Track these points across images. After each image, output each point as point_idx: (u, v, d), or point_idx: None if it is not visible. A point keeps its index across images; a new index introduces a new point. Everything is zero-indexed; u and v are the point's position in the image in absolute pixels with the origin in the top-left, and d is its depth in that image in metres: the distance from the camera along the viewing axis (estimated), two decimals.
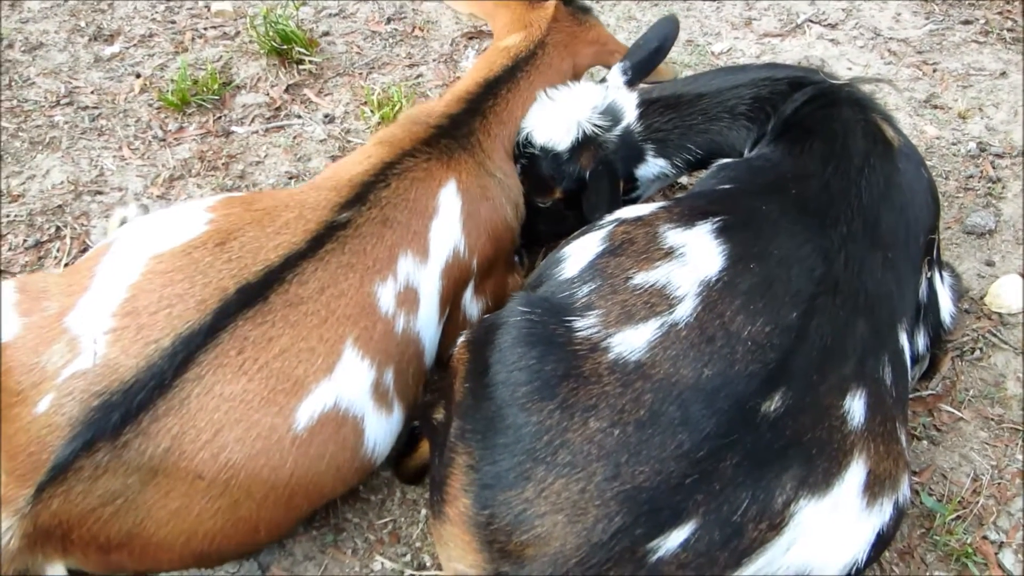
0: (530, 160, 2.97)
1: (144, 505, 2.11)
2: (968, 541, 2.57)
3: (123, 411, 2.04)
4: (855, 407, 2.09)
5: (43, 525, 2.05)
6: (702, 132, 2.94)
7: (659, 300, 2.17)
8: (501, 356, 2.14)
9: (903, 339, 2.38)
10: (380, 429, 2.44)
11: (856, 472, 2.03)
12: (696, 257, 2.25)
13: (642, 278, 2.23)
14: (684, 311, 2.13)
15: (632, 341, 2.10)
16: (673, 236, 2.33)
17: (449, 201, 2.72)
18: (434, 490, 2.22)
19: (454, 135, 2.86)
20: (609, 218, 2.53)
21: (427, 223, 2.66)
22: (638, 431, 1.96)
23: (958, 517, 2.63)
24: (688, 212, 2.41)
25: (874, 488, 2.06)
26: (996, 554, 2.56)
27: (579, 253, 2.40)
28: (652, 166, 3.04)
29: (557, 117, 2.94)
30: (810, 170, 2.53)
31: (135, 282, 2.23)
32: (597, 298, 2.22)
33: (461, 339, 2.37)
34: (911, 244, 2.52)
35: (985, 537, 2.60)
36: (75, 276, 2.35)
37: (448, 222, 2.70)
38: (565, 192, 3.03)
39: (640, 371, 2.04)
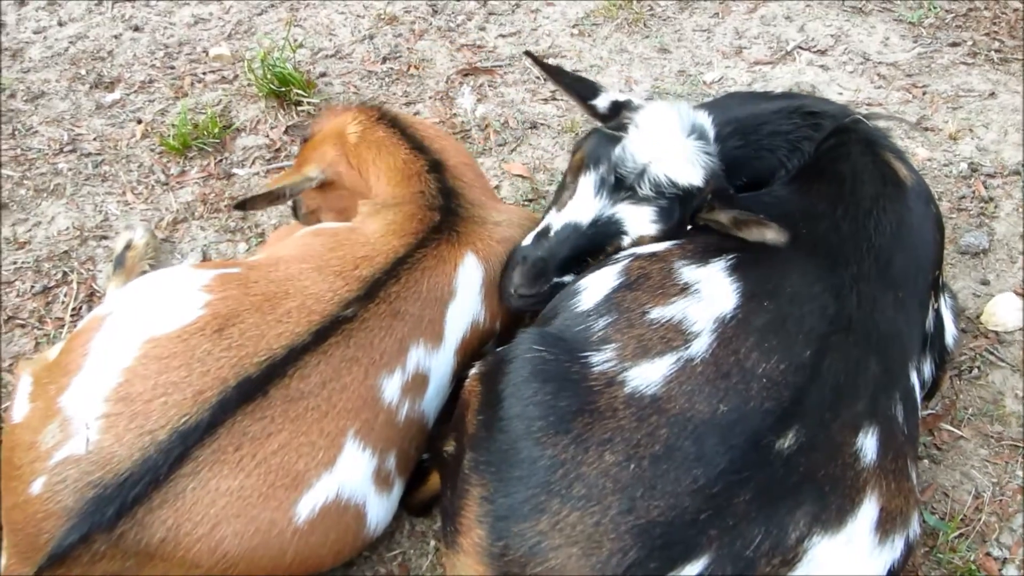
0: (670, 203, 2.59)
1: None
2: (971, 558, 2.60)
3: (118, 505, 2.04)
4: (868, 444, 2.12)
5: None
6: (755, 160, 2.81)
7: (675, 335, 2.20)
8: (515, 391, 2.16)
9: (914, 377, 2.42)
10: (381, 509, 2.45)
11: (869, 509, 2.06)
12: (711, 294, 2.28)
13: (658, 313, 2.26)
14: (700, 347, 2.16)
15: (648, 375, 2.12)
16: (688, 272, 2.36)
17: (468, 278, 2.69)
18: (447, 521, 2.23)
19: (451, 207, 2.79)
20: (624, 253, 2.54)
21: (443, 309, 2.62)
22: (653, 465, 1.99)
23: (961, 535, 2.66)
24: (701, 249, 2.44)
25: (886, 525, 2.08)
26: (999, 570, 2.60)
27: (595, 286, 2.41)
28: None
29: (679, 151, 2.60)
30: (819, 211, 2.55)
31: (129, 366, 2.20)
32: (614, 332, 2.25)
33: (473, 371, 2.39)
34: (920, 281, 2.55)
35: (988, 554, 2.63)
36: (70, 354, 2.34)
37: (467, 300, 2.66)
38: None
39: (656, 405, 2.07)
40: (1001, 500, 2.75)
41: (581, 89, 2.90)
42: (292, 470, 2.20)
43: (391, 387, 2.44)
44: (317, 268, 2.49)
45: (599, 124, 2.82)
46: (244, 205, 2.97)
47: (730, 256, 2.39)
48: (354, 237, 2.63)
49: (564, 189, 2.73)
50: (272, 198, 2.99)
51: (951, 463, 2.85)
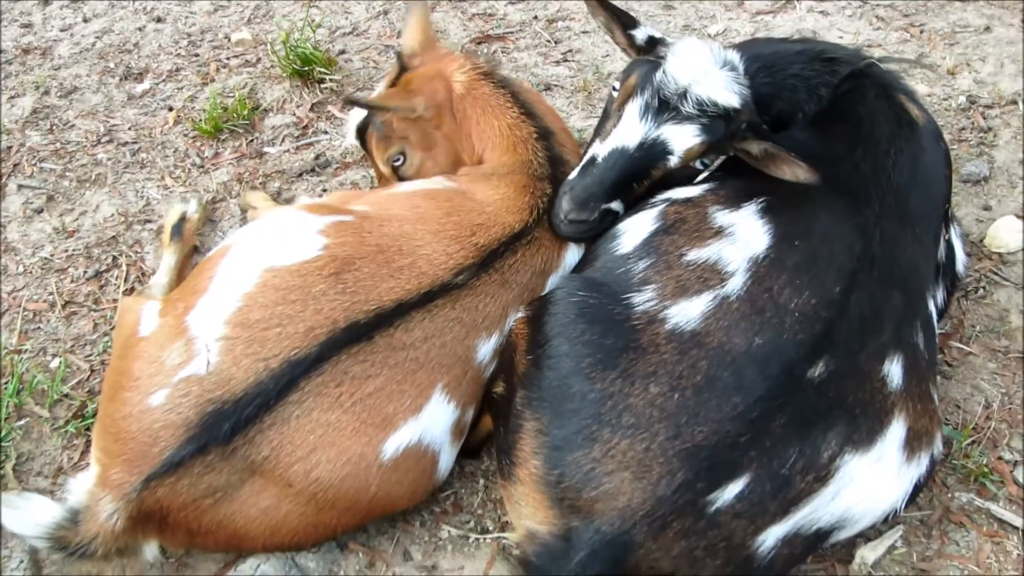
0: (712, 120, 2.66)
1: (238, 500, 2.30)
2: (984, 463, 2.76)
3: (233, 422, 2.22)
4: (894, 371, 2.29)
5: (146, 509, 2.25)
6: (779, 99, 2.88)
7: (712, 275, 2.34)
8: (563, 331, 2.32)
9: (931, 305, 2.57)
10: (451, 455, 2.60)
11: (897, 429, 2.24)
12: (744, 236, 2.42)
13: (695, 255, 2.40)
14: (735, 285, 2.31)
15: (687, 312, 2.28)
16: (722, 216, 2.49)
17: (574, 254, 2.83)
18: (503, 455, 2.39)
19: (558, 176, 2.88)
20: (660, 198, 2.65)
21: (546, 280, 2.75)
22: (696, 395, 2.16)
23: (973, 442, 2.83)
24: (734, 194, 2.57)
25: (914, 443, 2.26)
26: (1011, 472, 2.77)
27: (634, 230, 2.55)
28: None
29: (717, 75, 2.68)
30: (839, 152, 2.67)
31: (249, 292, 2.38)
32: (653, 273, 2.39)
33: (519, 315, 2.53)
34: (933, 216, 2.70)
35: (1000, 457, 2.80)
36: (199, 275, 2.52)
37: (567, 270, 2.80)
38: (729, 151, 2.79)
39: (696, 340, 2.23)
40: (1010, 408, 2.91)
41: (623, 18, 2.93)
42: (383, 412, 2.36)
43: (485, 348, 2.59)
44: (433, 232, 2.62)
45: (630, 60, 2.90)
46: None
47: (761, 200, 2.51)
48: (468, 204, 2.75)
49: (606, 120, 2.80)
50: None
51: (961, 377, 3.00)
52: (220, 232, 3.56)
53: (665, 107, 2.66)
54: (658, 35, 2.91)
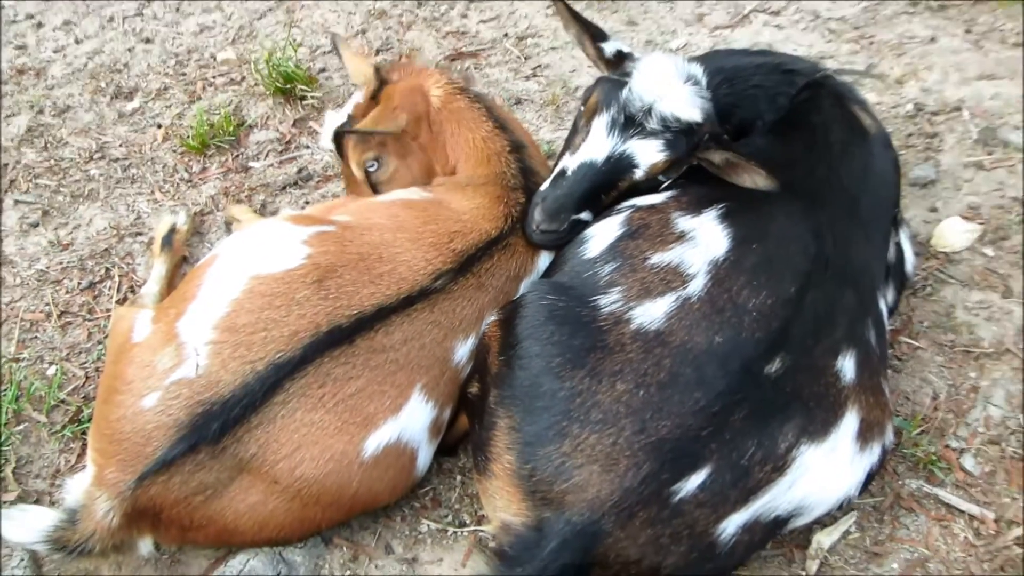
0: (675, 135, 2.73)
1: (228, 496, 2.41)
2: (932, 451, 2.90)
3: (222, 422, 2.32)
4: (847, 366, 2.41)
5: (140, 506, 2.36)
6: (740, 108, 2.95)
7: (674, 277, 2.46)
8: (534, 332, 2.43)
9: (881, 304, 2.70)
10: (429, 452, 2.71)
11: (851, 421, 2.36)
12: (705, 240, 2.53)
13: (658, 258, 2.51)
14: (696, 287, 2.43)
15: (651, 313, 2.39)
16: (684, 222, 2.60)
17: (546, 260, 2.91)
18: (478, 452, 2.50)
19: (531, 187, 2.97)
20: (625, 204, 2.76)
21: (519, 284, 2.84)
22: (660, 391, 2.27)
23: (922, 431, 2.96)
24: (695, 200, 2.67)
25: (866, 434, 2.39)
26: (958, 459, 2.90)
27: (600, 236, 2.66)
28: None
29: (681, 91, 2.73)
30: (795, 158, 2.77)
31: (236, 298, 2.47)
32: (619, 276, 2.50)
33: (492, 318, 2.64)
34: (883, 218, 2.83)
35: (947, 445, 2.93)
36: (189, 283, 2.60)
37: (538, 275, 2.89)
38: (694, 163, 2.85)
39: (659, 339, 2.35)
40: (956, 399, 3.04)
41: (594, 31, 2.98)
42: (364, 411, 2.46)
43: (462, 350, 2.69)
44: (412, 239, 2.70)
45: (599, 74, 3.00)
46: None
47: (721, 205, 2.62)
48: (445, 213, 2.84)
49: (576, 134, 2.89)
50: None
51: (910, 371, 3.13)
52: (207, 243, 3.68)
53: (631, 123, 2.73)
54: (626, 49, 2.99)
